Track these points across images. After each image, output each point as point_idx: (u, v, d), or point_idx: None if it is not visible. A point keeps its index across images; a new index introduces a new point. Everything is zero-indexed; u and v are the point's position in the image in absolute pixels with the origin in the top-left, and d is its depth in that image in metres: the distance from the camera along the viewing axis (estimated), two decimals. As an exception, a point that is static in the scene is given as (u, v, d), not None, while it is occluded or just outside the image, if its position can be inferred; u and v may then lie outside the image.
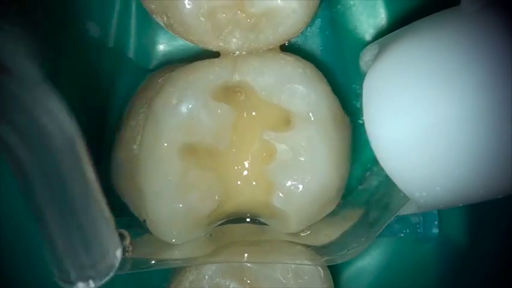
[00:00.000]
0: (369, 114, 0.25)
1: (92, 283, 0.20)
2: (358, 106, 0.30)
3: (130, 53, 0.30)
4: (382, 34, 0.29)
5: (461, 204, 0.24)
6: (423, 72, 0.23)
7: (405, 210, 0.27)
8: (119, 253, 0.20)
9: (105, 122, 0.30)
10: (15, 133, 0.18)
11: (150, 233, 0.28)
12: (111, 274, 0.20)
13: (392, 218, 0.27)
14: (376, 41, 0.28)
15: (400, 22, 0.29)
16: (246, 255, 0.28)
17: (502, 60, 0.21)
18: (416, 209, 0.26)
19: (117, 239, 0.21)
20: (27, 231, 0.28)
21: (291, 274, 0.29)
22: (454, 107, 0.22)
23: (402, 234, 0.31)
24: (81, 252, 0.19)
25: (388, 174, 0.25)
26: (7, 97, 0.17)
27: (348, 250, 0.27)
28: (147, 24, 0.30)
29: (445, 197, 0.24)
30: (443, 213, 0.31)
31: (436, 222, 0.31)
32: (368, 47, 0.28)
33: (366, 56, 0.28)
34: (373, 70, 0.25)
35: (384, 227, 0.27)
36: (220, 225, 0.30)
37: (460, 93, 0.22)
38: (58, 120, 0.18)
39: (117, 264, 0.20)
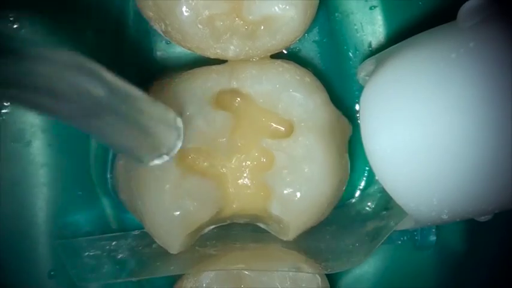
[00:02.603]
0: (366, 127, 0.26)
1: (165, 157, 0.23)
2: (357, 115, 0.30)
3: (128, 60, 0.30)
4: (379, 42, 0.29)
5: (458, 219, 0.24)
6: (419, 87, 0.23)
7: (403, 226, 0.27)
8: (179, 128, 0.24)
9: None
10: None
11: None
12: (179, 145, 0.23)
13: (392, 230, 0.27)
14: (373, 57, 0.28)
15: (398, 30, 0.29)
16: (244, 262, 0.28)
17: (499, 75, 0.21)
18: (413, 224, 0.26)
19: (173, 121, 0.24)
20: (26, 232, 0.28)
21: (288, 282, 0.28)
22: (450, 122, 0.22)
23: (400, 242, 0.31)
24: (148, 145, 0.23)
25: (385, 188, 0.25)
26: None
27: (347, 259, 0.27)
28: (145, 31, 0.30)
29: (442, 211, 0.24)
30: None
31: (434, 230, 0.31)
32: (365, 61, 0.28)
33: (363, 71, 0.28)
34: (369, 85, 0.26)
35: (384, 239, 0.27)
36: (219, 229, 0.30)
37: (456, 108, 0.22)
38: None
39: (181, 137, 0.23)
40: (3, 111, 0.28)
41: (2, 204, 0.28)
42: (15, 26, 0.27)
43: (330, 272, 0.28)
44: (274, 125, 0.28)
